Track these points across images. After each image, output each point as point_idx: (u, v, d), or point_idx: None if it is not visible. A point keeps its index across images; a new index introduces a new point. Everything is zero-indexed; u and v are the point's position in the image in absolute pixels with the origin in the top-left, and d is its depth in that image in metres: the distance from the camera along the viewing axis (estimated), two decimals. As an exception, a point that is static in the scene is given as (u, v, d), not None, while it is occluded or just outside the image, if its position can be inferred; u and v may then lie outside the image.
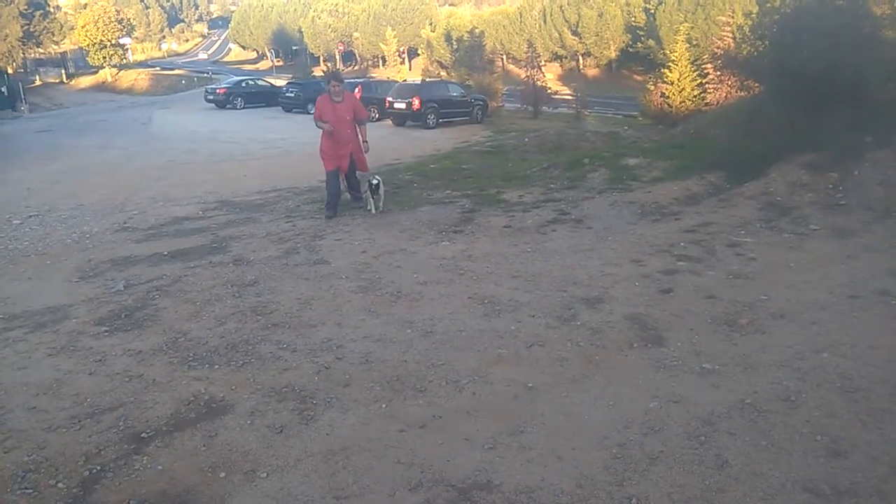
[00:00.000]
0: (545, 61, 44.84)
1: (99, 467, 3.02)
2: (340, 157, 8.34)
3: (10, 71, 44.66)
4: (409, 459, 3.02)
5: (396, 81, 28.36)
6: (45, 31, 49.36)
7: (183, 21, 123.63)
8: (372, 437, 3.21)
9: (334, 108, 8.23)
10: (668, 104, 21.87)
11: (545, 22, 52.44)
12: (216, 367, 4.00)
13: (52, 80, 60.01)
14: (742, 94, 14.87)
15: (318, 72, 50.29)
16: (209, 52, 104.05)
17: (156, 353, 4.23)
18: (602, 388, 3.61)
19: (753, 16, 14.81)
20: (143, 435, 3.27)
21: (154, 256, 6.63)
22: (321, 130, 8.40)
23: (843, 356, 3.77)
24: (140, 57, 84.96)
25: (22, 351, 4.35)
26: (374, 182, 8.08)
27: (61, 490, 2.88)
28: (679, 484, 2.78)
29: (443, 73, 40.70)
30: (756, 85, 11.89)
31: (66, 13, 61.94)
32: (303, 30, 69.90)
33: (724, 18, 25.06)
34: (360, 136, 8.49)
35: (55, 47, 56.11)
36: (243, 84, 34.32)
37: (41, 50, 54.01)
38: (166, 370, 3.97)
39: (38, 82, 55.84)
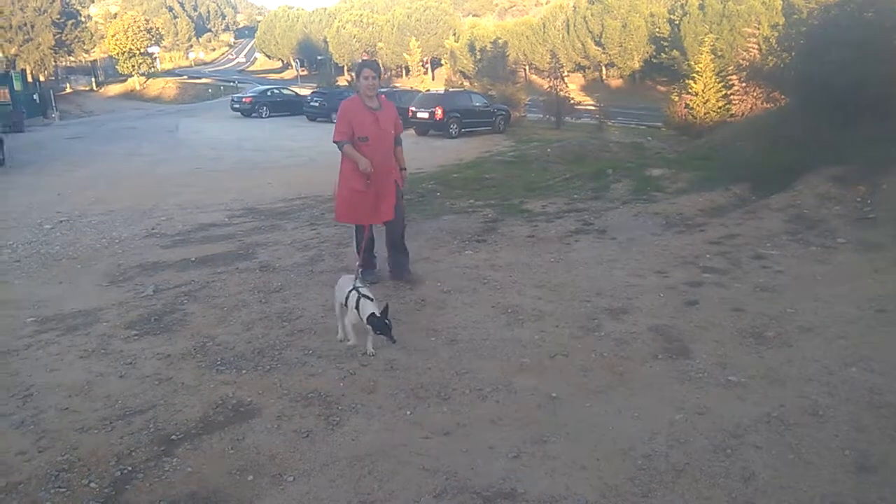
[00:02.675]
0: (568, 72, 44.88)
1: (130, 468, 3.08)
2: (378, 200, 5.22)
3: (41, 78, 45.78)
4: (434, 466, 3.04)
5: (420, 91, 28.57)
6: (76, 40, 50.55)
7: (210, 30, 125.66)
8: (397, 444, 3.24)
9: (375, 117, 5.14)
10: (693, 115, 21.77)
11: (568, 32, 52.52)
12: (244, 371, 4.05)
13: (83, 88, 61.22)
14: (768, 105, 14.77)
15: (342, 81, 50.76)
16: (240, 57, 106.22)
17: (184, 356, 4.30)
18: (626, 399, 3.60)
19: (780, 27, 14.73)
20: (172, 437, 3.33)
21: (182, 262, 6.74)
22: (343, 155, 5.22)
23: (872, 371, 3.72)
24: (168, 65, 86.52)
25: (54, 353, 4.44)
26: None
27: (93, 490, 2.94)
28: (705, 497, 2.77)
29: (466, 83, 40.90)
30: (782, 97, 11.81)
31: (96, 22, 63.48)
32: (328, 40, 70.78)
33: (749, 30, 24.96)
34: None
35: (86, 56, 57.39)
36: (269, 93, 34.77)
37: (72, 58, 55.29)
38: (195, 374, 4.04)
39: (68, 90, 56.99)
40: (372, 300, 4.17)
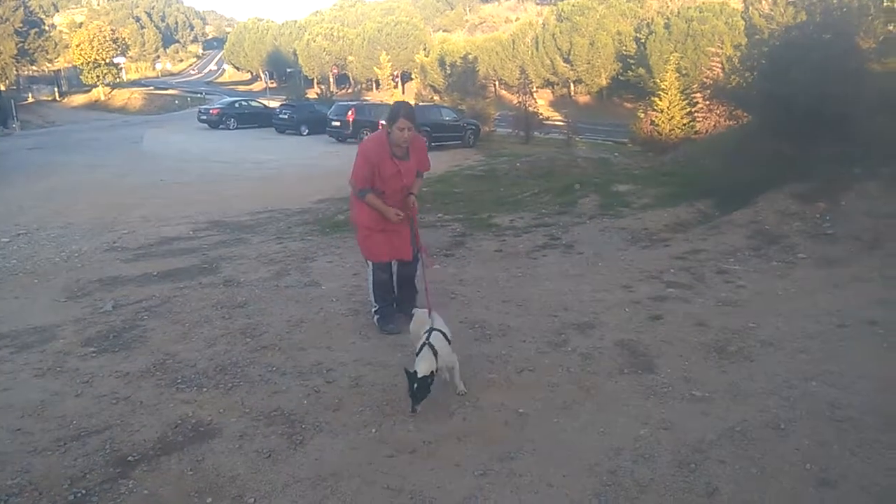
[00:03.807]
0: (537, 87, 45.39)
1: (84, 491, 2.97)
2: (395, 238, 4.78)
3: (2, 88, 44.76)
4: (399, 485, 3.00)
5: (390, 105, 28.56)
6: (39, 49, 49.62)
7: (178, 41, 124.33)
8: (361, 463, 3.18)
9: (398, 169, 4.58)
10: (658, 132, 22.15)
11: (537, 49, 53.17)
12: (205, 389, 3.96)
13: (45, 98, 59.96)
14: (731, 123, 15.10)
15: (312, 94, 50.58)
16: (211, 65, 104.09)
17: (143, 375, 4.19)
18: (592, 415, 3.60)
19: (742, 48, 15.10)
20: (129, 458, 3.22)
21: (143, 277, 6.60)
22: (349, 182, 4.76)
23: (832, 385, 3.78)
24: (134, 76, 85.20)
25: (7, 371, 4.29)
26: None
27: (45, 514, 2.83)
28: (669, 513, 2.77)
29: (436, 98, 41.07)
30: (745, 115, 12.07)
31: (60, 31, 62.36)
32: (297, 52, 70.57)
33: (713, 49, 25.50)
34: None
35: (49, 65, 56.29)
36: (236, 105, 34.54)
37: (35, 67, 54.24)
38: (154, 392, 3.93)
39: (30, 100, 55.74)
40: (435, 354, 3.61)
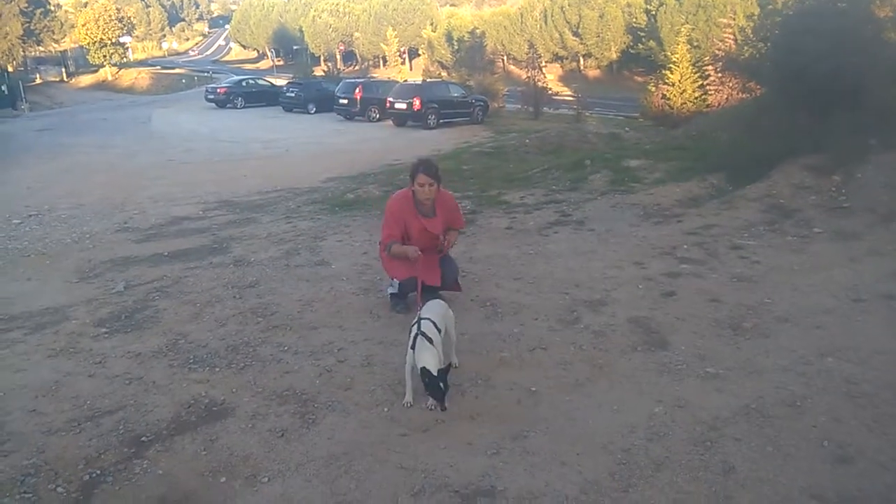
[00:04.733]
0: (546, 62, 44.79)
1: (99, 471, 2.99)
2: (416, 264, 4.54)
3: (10, 69, 44.71)
4: (412, 464, 2.99)
5: (397, 81, 28.38)
6: (45, 30, 49.43)
7: (183, 20, 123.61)
8: (374, 442, 3.18)
9: (424, 227, 4.64)
10: (670, 105, 21.90)
11: (546, 23, 52.47)
12: (217, 369, 3.97)
13: (53, 79, 60.02)
14: (744, 95, 14.84)
15: (318, 71, 50.29)
16: (220, 40, 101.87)
17: (156, 355, 4.20)
18: (605, 393, 3.58)
19: (755, 18, 14.82)
20: (143, 439, 3.24)
21: (154, 257, 6.61)
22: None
23: (849, 360, 3.74)
24: (140, 56, 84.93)
25: (21, 352, 4.32)
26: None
27: (61, 494, 2.85)
28: (685, 490, 2.75)
29: (443, 74, 40.72)
30: (758, 87, 11.86)
31: (66, 11, 61.96)
32: (303, 29, 69.93)
33: (725, 20, 25.12)
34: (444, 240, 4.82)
35: (55, 46, 56.15)
36: (244, 83, 34.36)
37: (41, 48, 54.10)
38: (166, 373, 3.94)
39: (38, 81, 55.84)
40: (431, 341, 3.38)
